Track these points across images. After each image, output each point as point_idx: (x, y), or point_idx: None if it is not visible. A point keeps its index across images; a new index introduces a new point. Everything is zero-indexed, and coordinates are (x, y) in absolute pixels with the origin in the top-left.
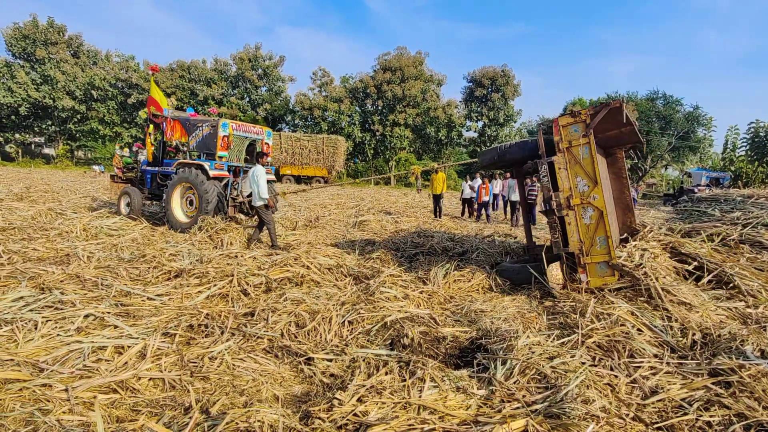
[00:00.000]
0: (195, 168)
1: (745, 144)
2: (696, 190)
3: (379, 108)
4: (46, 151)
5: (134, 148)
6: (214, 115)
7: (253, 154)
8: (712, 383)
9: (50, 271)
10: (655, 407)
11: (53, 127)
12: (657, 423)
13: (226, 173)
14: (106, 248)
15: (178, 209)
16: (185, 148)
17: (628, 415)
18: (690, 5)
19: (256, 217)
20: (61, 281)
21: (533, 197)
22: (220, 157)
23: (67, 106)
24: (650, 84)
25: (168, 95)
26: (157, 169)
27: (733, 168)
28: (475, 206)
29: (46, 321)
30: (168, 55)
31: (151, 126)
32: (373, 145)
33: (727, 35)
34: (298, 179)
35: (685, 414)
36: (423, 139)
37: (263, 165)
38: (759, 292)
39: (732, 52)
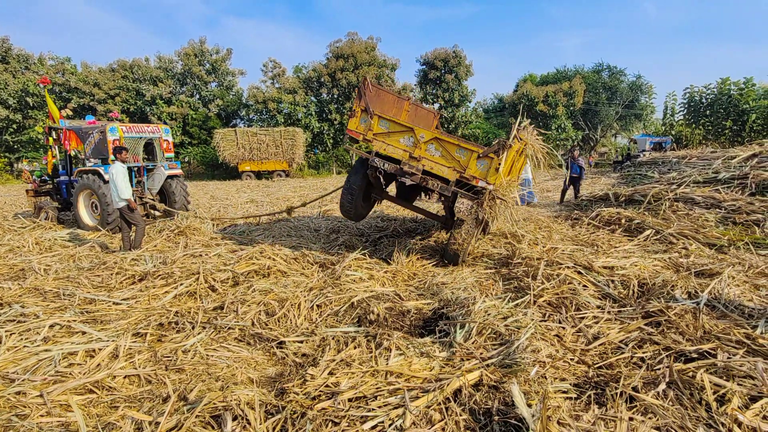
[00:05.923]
0: (91, 174)
1: (682, 109)
2: (641, 155)
3: (335, 96)
4: None
5: (44, 161)
6: (116, 119)
7: (153, 152)
8: (645, 324)
9: (6, 287)
10: (596, 351)
11: None
12: (598, 363)
13: None
14: (63, 259)
15: (85, 214)
16: (82, 156)
17: (573, 359)
18: None
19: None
20: (20, 295)
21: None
22: (113, 161)
23: (0, 116)
24: (597, 56)
25: (112, 97)
26: (69, 179)
27: (673, 132)
28: None
29: (10, 334)
30: (107, 54)
31: (51, 139)
32: (332, 135)
33: (662, 8)
34: (258, 175)
35: (622, 353)
36: None
37: (123, 161)
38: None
39: (668, 22)
